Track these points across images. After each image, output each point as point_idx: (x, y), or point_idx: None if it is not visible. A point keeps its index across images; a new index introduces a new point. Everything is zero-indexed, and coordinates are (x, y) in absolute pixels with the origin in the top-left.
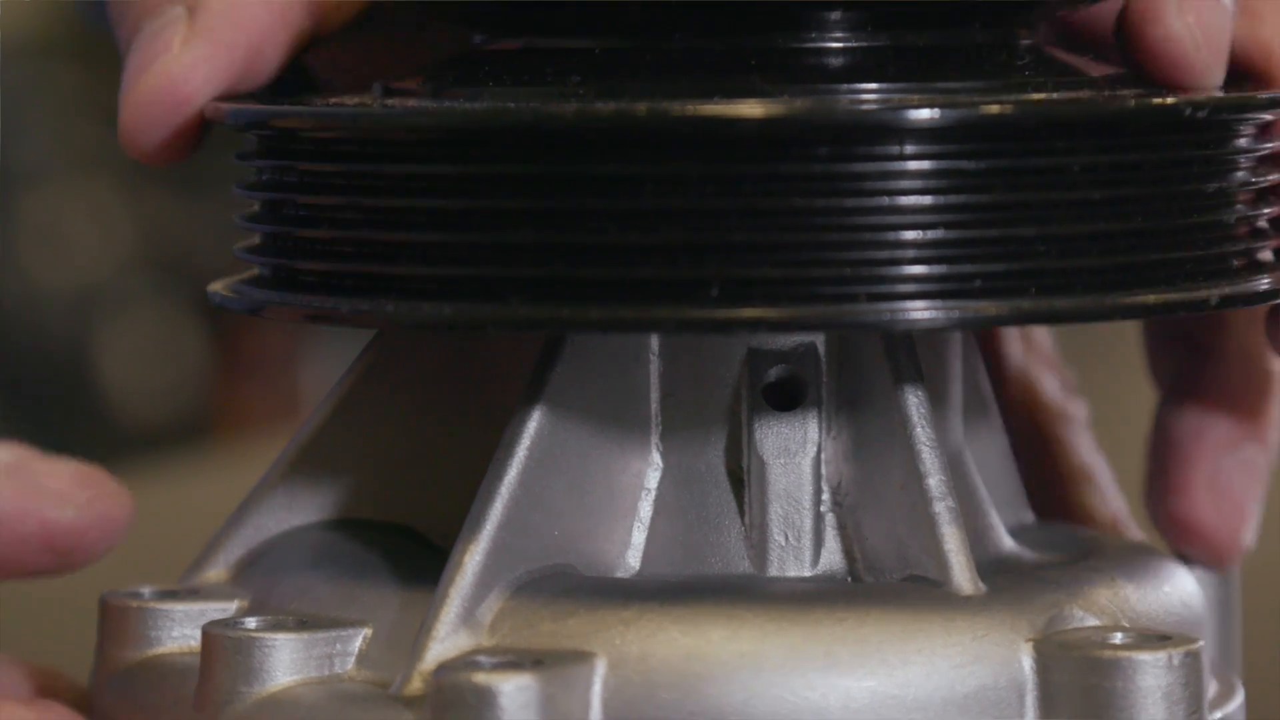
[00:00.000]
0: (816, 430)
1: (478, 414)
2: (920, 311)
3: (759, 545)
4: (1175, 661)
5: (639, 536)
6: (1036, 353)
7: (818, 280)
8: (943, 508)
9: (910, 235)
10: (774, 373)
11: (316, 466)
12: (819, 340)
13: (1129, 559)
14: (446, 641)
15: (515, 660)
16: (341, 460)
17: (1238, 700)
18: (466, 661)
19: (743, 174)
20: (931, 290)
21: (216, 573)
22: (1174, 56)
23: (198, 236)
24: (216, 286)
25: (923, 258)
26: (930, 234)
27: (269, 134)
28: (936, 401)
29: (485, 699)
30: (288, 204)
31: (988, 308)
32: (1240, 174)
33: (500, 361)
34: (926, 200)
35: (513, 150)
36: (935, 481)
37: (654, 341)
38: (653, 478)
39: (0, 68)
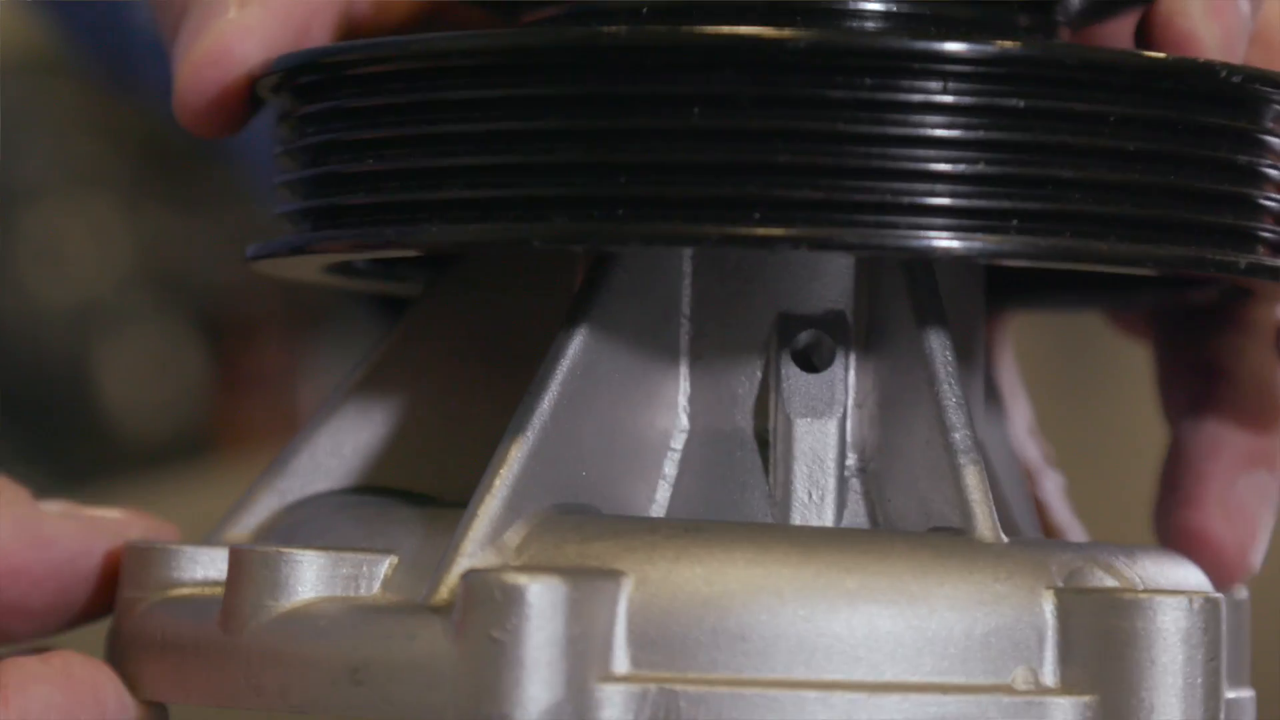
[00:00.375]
0: (844, 392)
1: (500, 391)
2: (956, 240)
3: (783, 503)
4: (1195, 606)
5: (663, 493)
6: (1019, 423)
7: (858, 205)
8: (966, 459)
9: (948, 167)
10: (803, 337)
11: (340, 435)
12: (847, 307)
13: (1146, 548)
14: (473, 558)
15: (544, 568)
16: (365, 430)
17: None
18: (494, 567)
19: (790, 96)
20: (967, 224)
21: (238, 534)
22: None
23: (197, 253)
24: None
25: (960, 191)
26: (968, 167)
27: (315, 77)
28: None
29: (513, 597)
30: (331, 145)
31: (1022, 242)
32: (1272, 157)
33: (523, 340)
34: (966, 134)
35: (565, 70)
36: (960, 435)
37: (685, 302)
38: (679, 439)
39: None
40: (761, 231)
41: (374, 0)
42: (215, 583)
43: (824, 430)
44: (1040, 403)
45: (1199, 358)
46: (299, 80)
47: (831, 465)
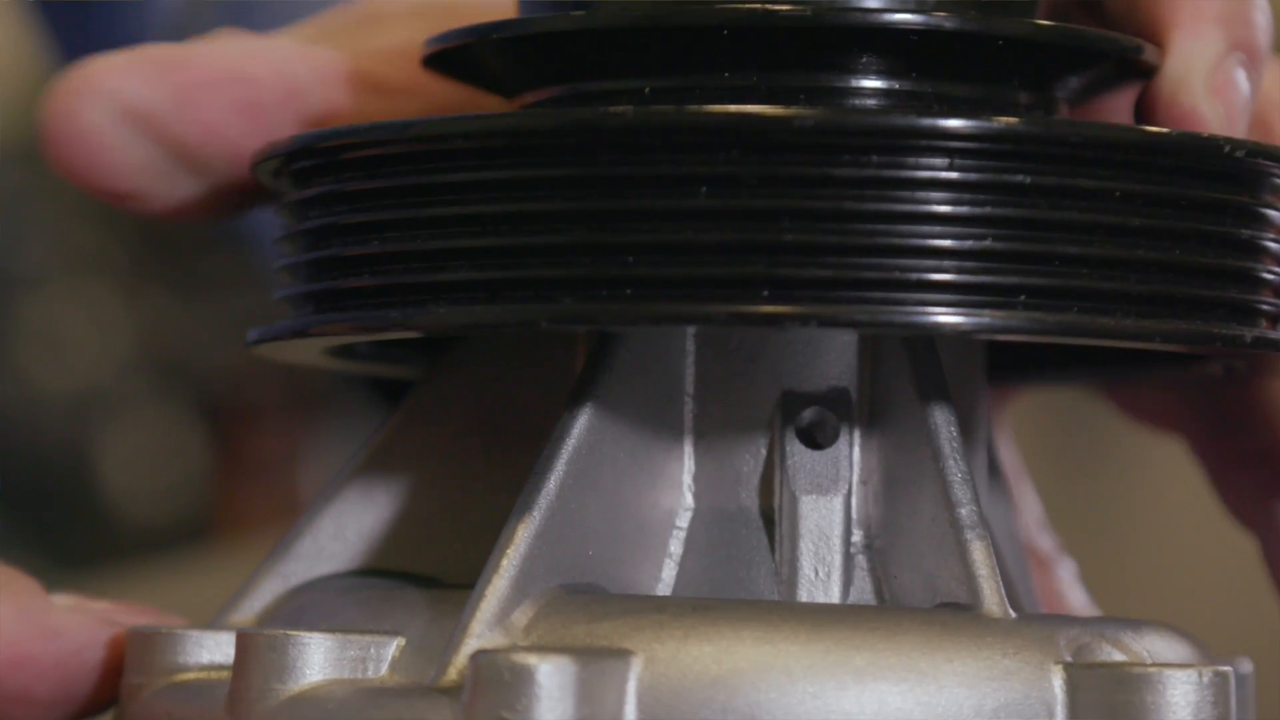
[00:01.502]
0: (848, 469)
1: (503, 473)
2: (963, 317)
3: (789, 580)
4: (1205, 679)
5: (669, 572)
6: (1028, 514)
7: (866, 283)
8: (973, 535)
9: (954, 243)
10: (807, 414)
11: (343, 518)
12: (851, 384)
13: (1151, 622)
14: (481, 639)
15: (553, 648)
16: (368, 513)
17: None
18: (503, 647)
19: (795, 175)
20: (974, 300)
21: (242, 618)
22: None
23: (196, 338)
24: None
25: (966, 267)
26: (974, 243)
27: (314, 161)
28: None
29: (523, 678)
30: (332, 228)
31: (1029, 318)
32: (1274, 231)
33: (525, 421)
34: (972, 210)
35: (570, 151)
36: (966, 511)
37: (689, 381)
38: (684, 517)
39: None
40: (769, 310)
41: (333, 102)
42: (220, 667)
43: (829, 507)
44: (1040, 482)
45: (1242, 446)
46: (297, 164)
47: (837, 542)
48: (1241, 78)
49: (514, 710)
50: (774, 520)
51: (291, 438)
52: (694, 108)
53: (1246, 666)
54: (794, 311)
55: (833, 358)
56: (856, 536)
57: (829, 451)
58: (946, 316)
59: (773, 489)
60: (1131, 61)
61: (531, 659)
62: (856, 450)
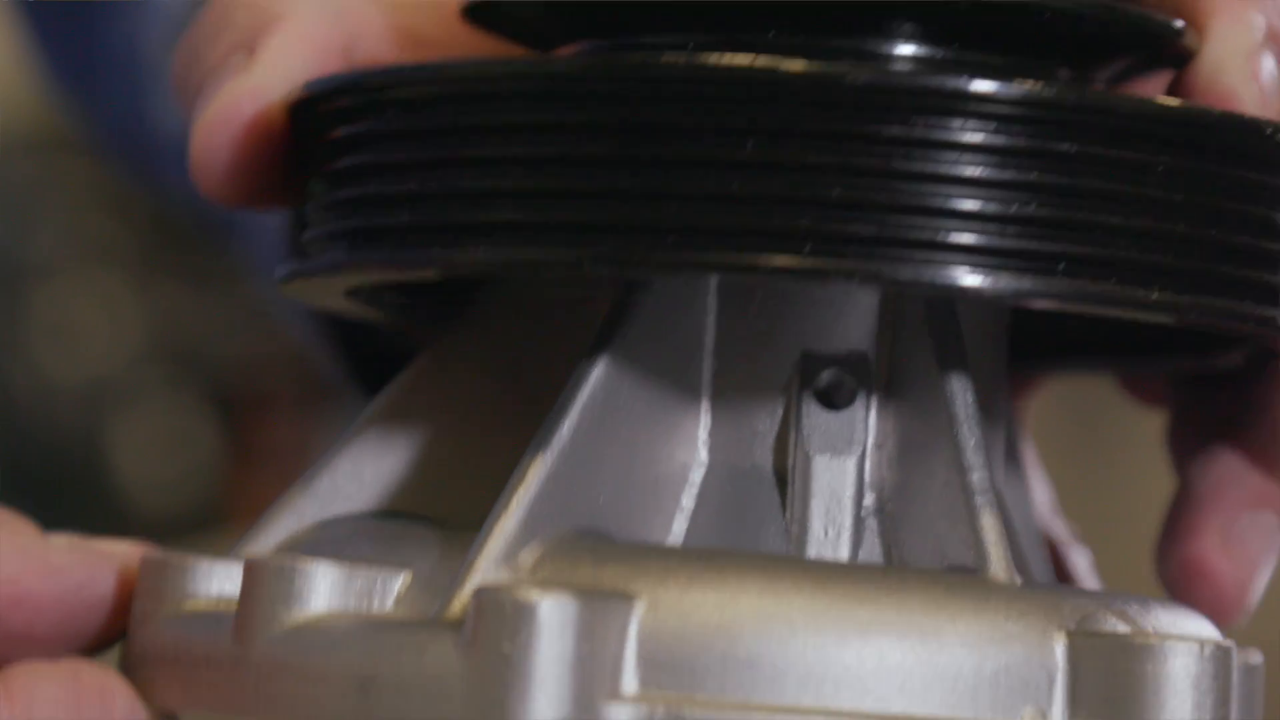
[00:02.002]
0: (863, 431)
1: (520, 425)
2: (1006, 281)
3: (798, 539)
4: (1206, 652)
5: (680, 525)
6: (1042, 500)
7: (911, 243)
8: (983, 500)
9: (1000, 208)
10: (825, 376)
11: (361, 461)
12: (870, 348)
13: (1160, 600)
14: (487, 576)
15: (557, 585)
16: (386, 457)
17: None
18: (507, 583)
19: (846, 132)
20: (1018, 265)
21: (256, 551)
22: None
23: (208, 329)
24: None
25: (1010, 232)
26: (1020, 209)
27: (358, 99)
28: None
29: (524, 613)
30: (374, 166)
31: (1070, 285)
32: None
33: (544, 376)
34: (1019, 176)
35: (623, 98)
36: (978, 477)
37: (709, 338)
38: (697, 473)
39: (10, 161)
40: (813, 264)
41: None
42: (230, 598)
43: (843, 468)
44: (1053, 471)
45: (1215, 412)
46: (340, 102)
47: (849, 503)
48: (1272, 69)
49: (514, 644)
50: (787, 479)
51: (303, 427)
52: (750, 60)
53: (1257, 658)
54: (838, 266)
55: (854, 321)
56: (868, 500)
57: (845, 413)
58: (989, 280)
59: (787, 448)
60: (1170, 44)
61: (534, 595)
62: (873, 414)
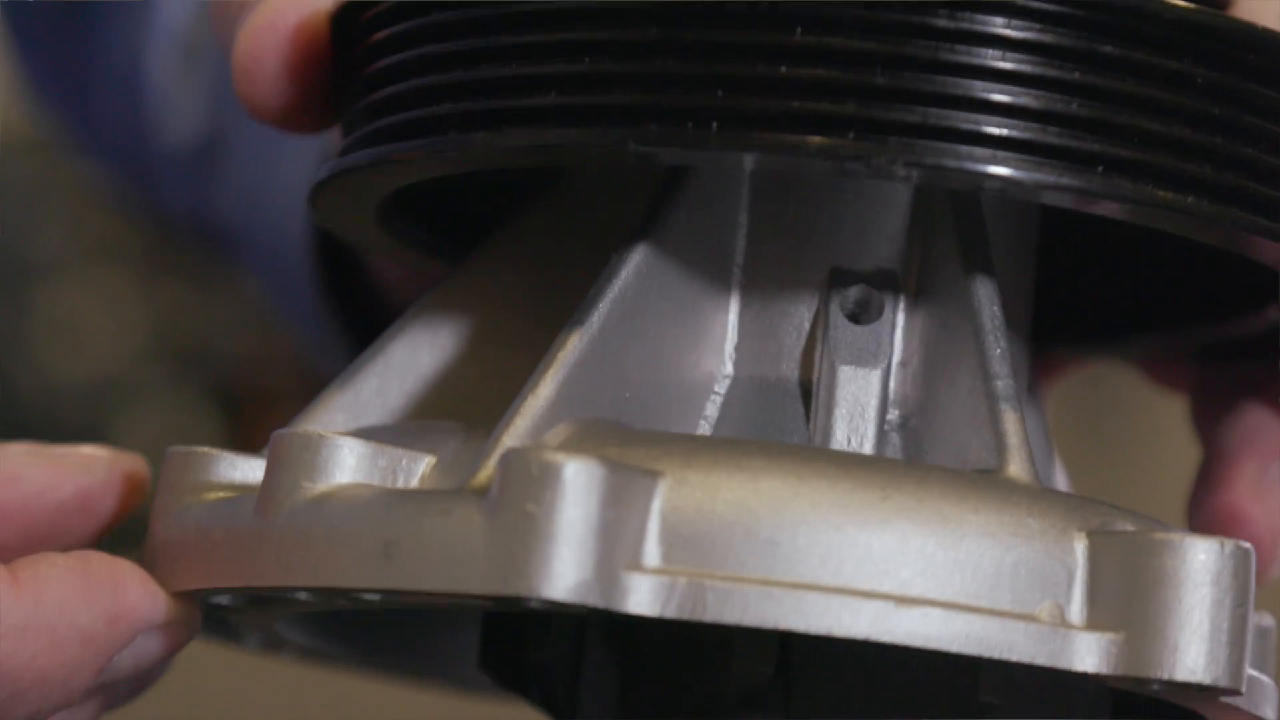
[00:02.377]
0: (889, 345)
1: (548, 341)
2: (1049, 175)
3: (821, 446)
4: (1227, 549)
5: (704, 432)
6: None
7: (956, 133)
8: (1006, 405)
9: (1043, 105)
10: (853, 292)
11: (386, 375)
12: (899, 265)
13: (1179, 528)
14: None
15: (583, 451)
16: (409, 372)
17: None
18: (534, 445)
19: (893, 22)
20: (1059, 163)
21: None
22: None
23: (212, 327)
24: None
25: (1051, 129)
26: (1063, 106)
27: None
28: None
29: (550, 473)
30: (418, 58)
31: (1109, 185)
32: None
33: (571, 299)
34: (1062, 75)
35: None
36: (1002, 384)
37: (740, 252)
38: (722, 384)
39: (13, 160)
40: (855, 148)
41: None
42: (252, 486)
43: (868, 379)
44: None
45: (1241, 378)
46: (377, 4)
47: (873, 414)
48: None
49: (538, 503)
50: (812, 392)
51: None
52: None
53: (1269, 620)
54: (880, 150)
55: (883, 238)
56: (892, 415)
57: (871, 326)
58: (1028, 174)
59: (813, 361)
60: None
61: (560, 457)
62: (899, 330)
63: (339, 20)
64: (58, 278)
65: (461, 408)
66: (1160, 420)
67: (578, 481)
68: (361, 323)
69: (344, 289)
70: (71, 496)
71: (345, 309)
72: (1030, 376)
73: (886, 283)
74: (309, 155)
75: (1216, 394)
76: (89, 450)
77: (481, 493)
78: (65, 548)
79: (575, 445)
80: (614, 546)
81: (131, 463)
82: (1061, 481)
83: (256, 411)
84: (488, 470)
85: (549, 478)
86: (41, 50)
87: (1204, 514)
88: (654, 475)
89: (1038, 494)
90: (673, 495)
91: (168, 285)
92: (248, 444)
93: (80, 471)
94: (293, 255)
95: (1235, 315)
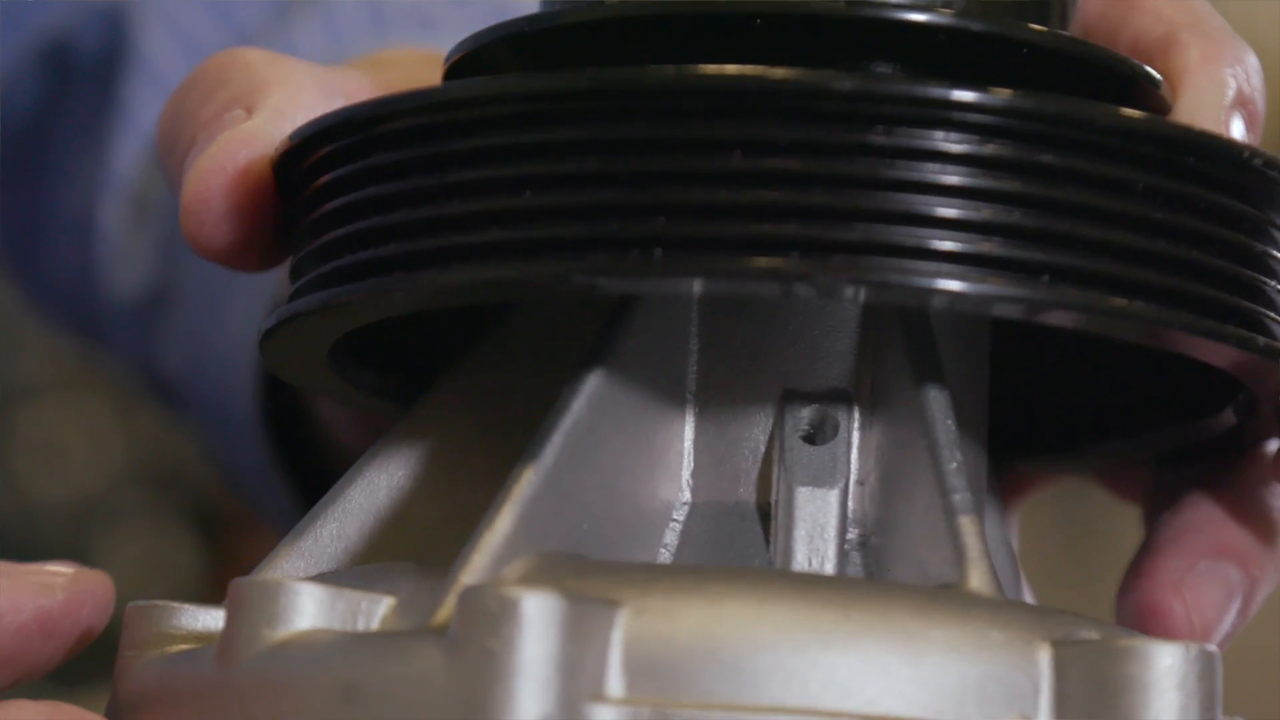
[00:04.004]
0: (845, 465)
1: (502, 480)
2: (995, 289)
3: (783, 568)
4: (1192, 654)
5: (664, 559)
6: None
7: (899, 249)
8: (965, 518)
9: (987, 217)
10: (807, 413)
11: (344, 519)
12: (851, 385)
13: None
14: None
15: (542, 584)
16: (368, 515)
17: None
18: (493, 582)
19: (830, 142)
20: (1005, 275)
21: None
22: None
23: (189, 450)
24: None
25: (998, 241)
26: (1006, 218)
27: (337, 141)
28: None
29: (509, 609)
30: (360, 201)
31: (1055, 294)
32: None
33: (526, 435)
34: (1005, 186)
35: (607, 114)
36: (959, 497)
37: (691, 379)
38: (681, 511)
39: None
40: (799, 267)
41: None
42: (215, 634)
43: (826, 499)
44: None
45: (1194, 477)
46: (319, 146)
47: (832, 534)
48: (1241, 131)
49: (499, 641)
50: (770, 515)
51: None
52: (734, 69)
53: None
54: (825, 269)
55: (835, 357)
56: (852, 534)
57: (827, 447)
58: (973, 287)
59: (771, 483)
60: (1146, 93)
61: (519, 592)
62: (855, 449)
63: (282, 163)
64: (36, 401)
65: (422, 548)
66: (1130, 532)
67: (537, 616)
68: (309, 473)
69: (291, 440)
70: (32, 619)
71: (292, 460)
72: (989, 485)
73: (840, 402)
74: (253, 307)
75: (1165, 495)
76: (52, 568)
77: (441, 632)
78: (31, 671)
79: (534, 579)
80: (576, 680)
81: (94, 580)
82: (1026, 595)
83: (235, 533)
84: (447, 609)
85: (508, 613)
86: None
87: (1126, 606)
88: (613, 605)
89: (1000, 606)
90: (633, 624)
91: (145, 409)
92: (226, 566)
93: (40, 593)
94: (238, 407)
95: (1189, 420)
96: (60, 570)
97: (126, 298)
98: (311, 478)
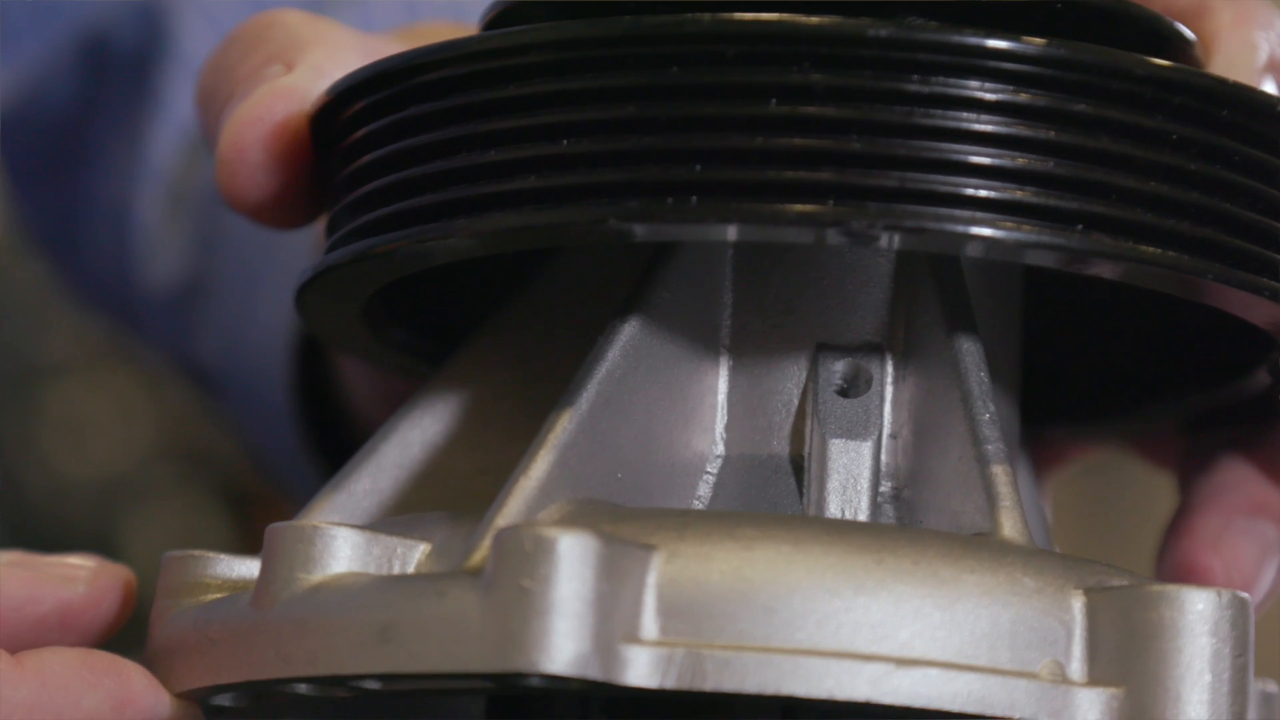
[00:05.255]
0: (879, 417)
1: (536, 431)
2: (1027, 234)
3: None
4: (1224, 599)
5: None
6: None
7: (933, 196)
8: (998, 467)
9: (1019, 164)
10: (840, 366)
11: (378, 473)
12: (884, 338)
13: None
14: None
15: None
16: (402, 469)
17: (1274, 687)
18: (528, 522)
19: (866, 88)
20: (1037, 222)
21: None
22: None
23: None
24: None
25: (1029, 189)
26: (1038, 166)
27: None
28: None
29: (544, 547)
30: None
31: (1087, 241)
32: None
33: (559, 380)
34: (1035, 134)
35: (646, 59)
36: (993, 447)
37: (725, 334)
38: (714, 464)
39: (20, 262)
40: (834, 213)
41: None
42: (250, 582)
43: (859, 451)
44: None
45: (1226, 439)
46: (357, 99)
47: (865, 486)
48: (1273, 89)
49: (534, 578)
50: (803, 467)
51: None
52: (771, 16)
53: (1273, 687)
54: (859, 213)
55: (868, 310)
56: (885, 486)
57: (861, 399)
58: (1007, 232)
59: (804, 436)
60: (1180, 51)
61: (554, 531)
62: (888, 402)
63: (320, 117)
64: (65, 379)
65: (456, 499)
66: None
67: (572, 555)
68: (341, 459)
69: (325, 427)
70: (51, 611)
71: (324, 446)
72: (1022, 443)
73: (873, 355)
74: (286, 296)
75: (1198, 459)
76: (74, 561)
77: (477, 573)
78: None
79: (569, 522)
80: (611, 619)
81: (116, 575)
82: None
83: (265, 510)
84: (482, 551)
85: (543, 553)
86: (33, 187)
87: (1165, 566)
88: (648, 549)
89: (1032, 553)
90: (667, 567)
91: (174, 387)
92: (256, 542)
93: (61, 585)
94: (271, 394)
95: (1222, 383)
96: (82, 563)
97: (162, 287)
98: (343, 463)
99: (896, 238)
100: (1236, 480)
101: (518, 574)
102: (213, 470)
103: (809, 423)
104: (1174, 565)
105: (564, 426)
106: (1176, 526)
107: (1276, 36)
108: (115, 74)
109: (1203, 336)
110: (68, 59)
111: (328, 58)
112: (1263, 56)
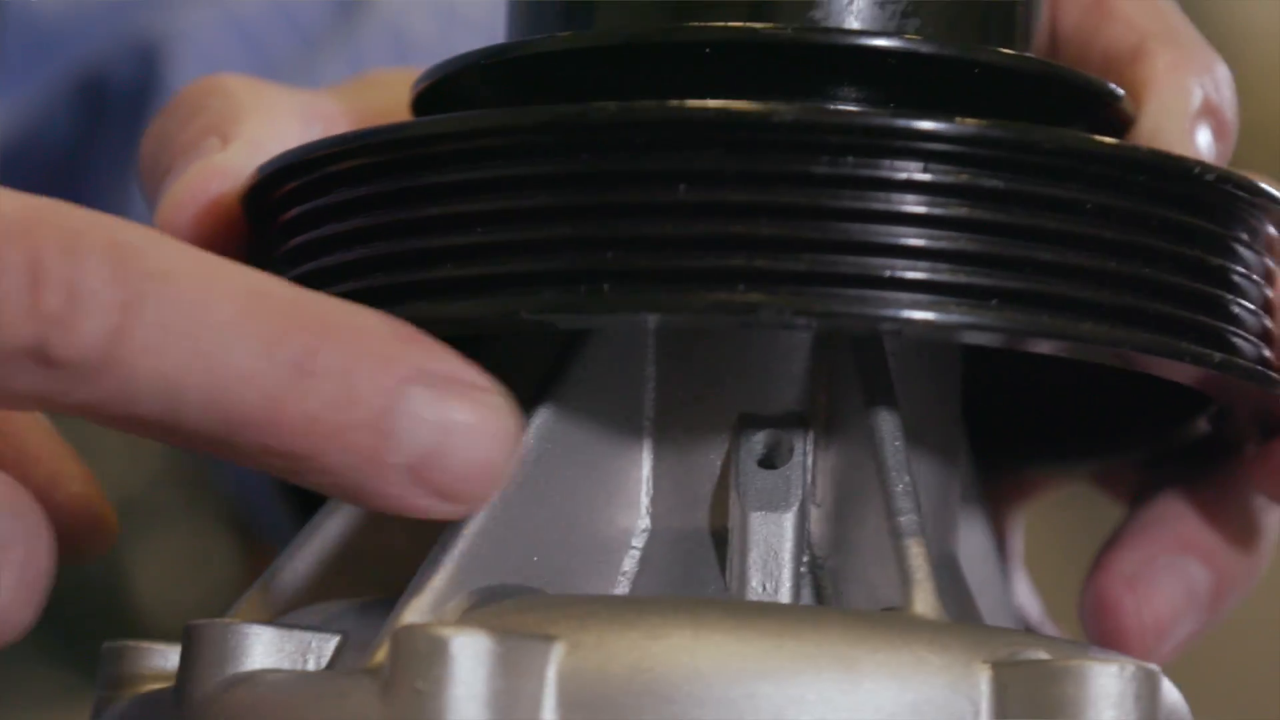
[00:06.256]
0: (799, 488)
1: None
2: (939, 314)
3: (737, 595)
4: (1128, 673)
5: (622, 589)
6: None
7: (843, 278)
8: (910, 540)
9: (930, 243)
10: (761, 436)
11: (322, 554)
12: (805, 408)
13: (1096, 647)
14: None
15: (471, 623)
16: (343, 547)
17: None
18: (424, 623)
19: (773, 172)
20: (950, 300)
21: None
22: None
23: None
24: None
25: (941, 267)
26: (949, 244)
27: (302, 178)
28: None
29: (436, 648)
30: (317, 241)
31: (1003, 318)
32: (1245, 262)
33: None
34: (947, 212)
35: (554, 148)
36: (905, 519)
37: (649, 405)
38: (640, 538)
39: None
40: (745, 299)
41: None
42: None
43: (780, 524)
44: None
45: (1167, 478)
46: (281, 182)
47: (787, 559)
48: (1208, 140)
49: (428, 681)
50: (727, 540)
51: None
52: (676, 103)
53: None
54: (770, 301)
55: (789, 381)
56: (808, 558)
57: (781, 471)
58: (922, 313)
59: (727, 508)
60: (1109, 109)
61: (446, 631)
62: (809, 472)
63: (250, 198)
64: None
65: (393, 579)
66: None
67: (464, 655)
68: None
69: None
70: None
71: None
72: (974, 493)
73: (796, 425)
74: None
75: (1147, 495)
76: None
77: (378, 672)
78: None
79: (472, 616)
80: (509, 717)
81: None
82: (1022, 593)
83: (269, 535)
84: (383, 650)
85: (436, 653)
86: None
87: (1084, 600)
88: (549, 640)
89: (941, 628)
90: (568, 660)
91: None
92: (264, 567)
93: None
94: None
95: (1168, 428)
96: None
97: None
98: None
99: (811, 321)
100: (1169, 517)
101: (413, 676)
102: (219, 495)
103: (731, 494)
104: (1090, 600)
105: (474, 517)
106: (1099, 560)
107: (1213, 82)
108: (111, 115)
109: (1148, 385)
110: (65, 99)
111: (265, 128)
112: (1195, 102)
